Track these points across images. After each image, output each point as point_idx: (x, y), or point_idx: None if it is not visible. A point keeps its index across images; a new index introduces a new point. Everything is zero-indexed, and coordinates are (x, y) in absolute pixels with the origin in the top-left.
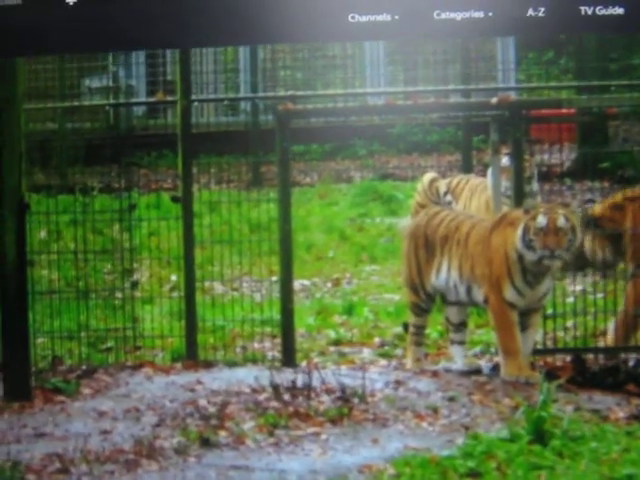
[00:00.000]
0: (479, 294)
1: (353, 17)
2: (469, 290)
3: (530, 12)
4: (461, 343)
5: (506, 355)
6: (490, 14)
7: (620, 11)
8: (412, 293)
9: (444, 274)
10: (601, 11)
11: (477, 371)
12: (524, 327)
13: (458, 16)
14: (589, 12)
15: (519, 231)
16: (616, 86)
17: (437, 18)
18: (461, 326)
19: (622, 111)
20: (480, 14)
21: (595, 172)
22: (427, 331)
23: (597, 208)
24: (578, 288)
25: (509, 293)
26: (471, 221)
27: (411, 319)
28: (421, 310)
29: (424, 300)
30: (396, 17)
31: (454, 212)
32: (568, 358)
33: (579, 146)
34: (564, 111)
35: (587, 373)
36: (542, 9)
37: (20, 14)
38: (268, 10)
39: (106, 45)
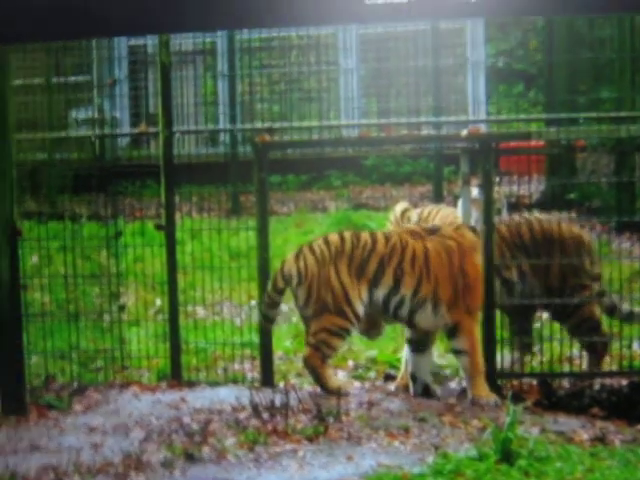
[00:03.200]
0: (432, 315)
1: None
2: (414, 310)
3: None
4: None
5: (478, 376)
6: None
7: None
8: (339, 317)
9: (385, 291)
10: None
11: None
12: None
13: None
14: None
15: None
16: (584, 119)
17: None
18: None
19: (590, 143)
20: None
21: (563, 203)
22: None
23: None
24: (545, 315)
25: (480, 315)
26: (419, 241)
27: (336, 344)
28: (347, 332)
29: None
30: None
31: (380, 232)
32: (535, 382)
33: (547, 178)
34: (533, 143)
35: (553, 397)
36: None
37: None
38: None
39: (90, 32)
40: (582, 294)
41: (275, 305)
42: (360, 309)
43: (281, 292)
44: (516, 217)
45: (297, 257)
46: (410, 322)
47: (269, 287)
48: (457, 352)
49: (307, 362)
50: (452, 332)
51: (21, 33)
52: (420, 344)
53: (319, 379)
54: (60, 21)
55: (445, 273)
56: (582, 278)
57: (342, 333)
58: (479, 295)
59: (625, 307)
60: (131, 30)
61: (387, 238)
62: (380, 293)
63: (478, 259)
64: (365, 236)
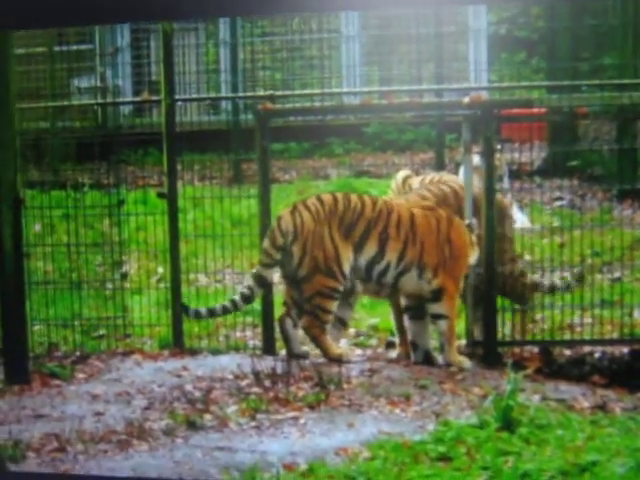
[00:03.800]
0: (417, 280)
1: None
2: (400, 275)
3: None
4: None
5: (454, 341)
6: None
7: None
8: (329, 278)
9: (368, 257)
10: None
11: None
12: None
13: None
14: None
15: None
16: (587, 86)
17: None
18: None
19: (592, 110)
20: None
21: (565, 170)
22: None
23: None
24: (546, 282)
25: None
26: (405, 206)
27: (331, 306)
28: (338, 293)
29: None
30: None
31: (367, 196)
32: (536, 349)
33: (549, 145)
34: (535, 110)
35: (554, 364)
36: None
37: None
38: None
39: (92, 18)
40: (509, 262)
41: (273, 264)
42: (347, 270)
43: (279, 249)
44: (440, 185)
45: (293, 213)
46: (394, 287)
47: (266, 245)
48: (437, 316)
49: (307, 331)
50: (435, 296)
51: (20, 19)
52: (417, 311)
53: (320, 347)
54: (59, 7)
55: (432, 239)
56: (505, 244)
57: (334, 294)
58: (463, 264)
59: (547, 281)
60: (131, 17)
61: (374, 202)
62: (363, 260)
63: (465, 232)
64: (355, 199)
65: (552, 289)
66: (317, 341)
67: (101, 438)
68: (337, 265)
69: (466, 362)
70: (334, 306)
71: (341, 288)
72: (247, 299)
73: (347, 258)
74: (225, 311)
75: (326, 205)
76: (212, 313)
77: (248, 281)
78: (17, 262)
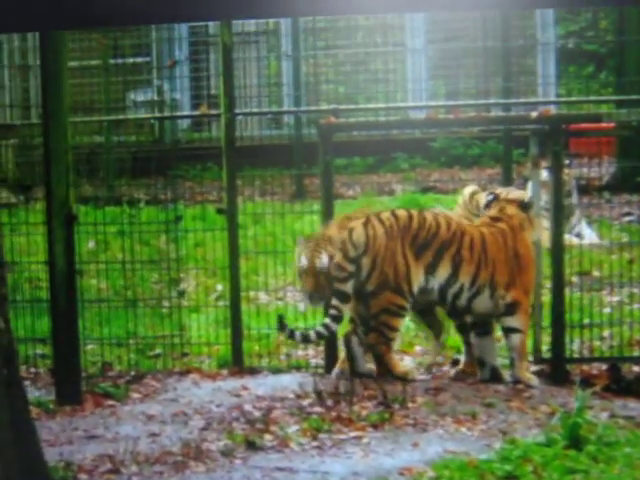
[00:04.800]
0: (489, 300)
1: None
2: (473, 297)
3: None
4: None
5: (525, 356)
6: None
7: None
8: (397, 295)
9: (441, 279)
10: None
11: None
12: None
13: None
14: None
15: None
16: None
17: None
18: None
19: None
20: None
21: (634, 185)
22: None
23: None
24: (615, 299)
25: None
26: (475, 227)
27: (398, 324)
28: (405, 311)
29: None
30: None
31: (441, 216)
32: (604, 366)
33: (618, 160)
34: (603, 125)
35: (622, 381)
36: None
37: None
38: None
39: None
40: None
41: (348, 277)
42: (416, 289)
43: (352, 261)
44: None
45: (366, 225)
46: (468, 309)
47: (338, 258)
48: (510, 330)
49: (372, 348)
50: (510, 310)
51: (34, 20)
52: (483, 327)
53: (385, 365)
54: (78, 7)
55: (501, 257)
56: None
57: (401, 312)
58: (532, 274)
59: None
60: (142, 20)
61: (448, 223)
62: (436, 282)
63: (528, 236)
64: (430, 218)
65: None
66: (382, 359)
67: (156, 459)
68: (407, 283)
69: (534, 379)
70: (401, 324)
71: (408, 306)
72: (337, 319)
73: (417, 277)
74: (320, 336)
75: (400, 221)
76: (306, 339)
77: (333, 300)
78: (69, 280)
